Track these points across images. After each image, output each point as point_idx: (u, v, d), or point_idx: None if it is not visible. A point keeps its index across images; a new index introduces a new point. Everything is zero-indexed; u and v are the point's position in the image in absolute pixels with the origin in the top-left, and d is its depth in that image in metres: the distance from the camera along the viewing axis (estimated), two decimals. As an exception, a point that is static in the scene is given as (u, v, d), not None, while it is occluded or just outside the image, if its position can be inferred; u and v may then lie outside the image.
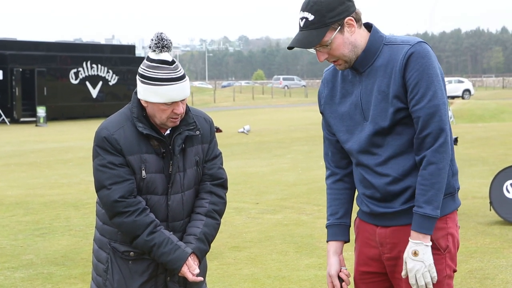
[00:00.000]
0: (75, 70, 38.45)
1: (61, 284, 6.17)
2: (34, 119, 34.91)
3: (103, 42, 58.73)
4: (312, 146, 17.83)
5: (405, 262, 2.72)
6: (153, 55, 3.08)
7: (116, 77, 40.27)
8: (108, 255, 3.22)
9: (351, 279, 2.99)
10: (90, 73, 39.15)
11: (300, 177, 12.54)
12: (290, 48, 2.79)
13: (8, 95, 35.98)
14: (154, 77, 3.05)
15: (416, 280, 2.70)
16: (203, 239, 3.21)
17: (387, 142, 2.77)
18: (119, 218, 3.09)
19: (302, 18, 2.73)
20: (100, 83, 39.64)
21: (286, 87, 78.82)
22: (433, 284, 2.71)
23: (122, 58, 40.97)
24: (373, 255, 2.89)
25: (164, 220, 3.19)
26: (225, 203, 3.33)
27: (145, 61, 3.11)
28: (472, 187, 10.55)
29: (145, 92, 3.08)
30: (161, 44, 3.06)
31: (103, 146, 3.11)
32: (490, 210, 8.22)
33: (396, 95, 2.71)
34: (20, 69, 36.13)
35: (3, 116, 34.92)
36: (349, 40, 2.74)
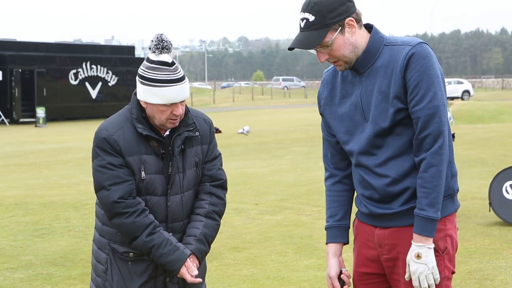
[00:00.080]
0: (74, 70, 38.44)
1: (61, 285, 6.17)
2: (33, 119, 34.90)
3: (102, 42, 58.67)
4: (311, 147, 17.84)
5: (408, 265, 2.72)
6: (153, 56, 3.09)
7: (116, 78, 40.27)
8: (107, 256, 3.22)
9: (350, 280, 2.99)
10: (89, 74, 39.14)
11: (300, 178, 12.54)
12: (290, 49, 2.79)
13: (8, 96, 35.97)
14: (154, 78, 3.05)
15: (420, 283, 2.70)
16: (203, 240, 3.21)
17: (387, 143, 2.77)
18: (118, 219, 3.10)
19: (302, 19, 2.73)
20: (100, 83, 39.63)
21: (285, 88, 78.80)
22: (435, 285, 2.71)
23: (121, 59, 40.96)
24: (371, 256, 2.89)
25: (164, 221, 3.19)
26: (224, 204, 3.34)
27: (145, 62, 3.11)
28: (472, 188, 10.55)
29: (144, 93, 3.09)
30: (161, 45, 3.06)
31: (103, 147, 3.11)
32: (490, 211, 8.22)
33: (396, 96, 2.71)
34: (20, 70, 36.12)
35: (3, 117, 34.92)
36: (350, 40, 2.74)
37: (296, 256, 6.96)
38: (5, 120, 34.85)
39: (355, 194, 2.99)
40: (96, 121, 32.02)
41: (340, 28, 2.71)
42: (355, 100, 2.82)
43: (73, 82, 38.47)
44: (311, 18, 2.70)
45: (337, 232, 2.98)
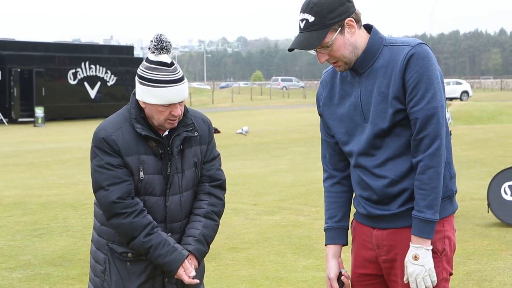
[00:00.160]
0: (73, 70, 38.44)
1: (59, 285, 6.16)
2: (32, 119, 34.90)
3: (101, 42, 58.62)
4: (310, 147, 17.83)
5: (406, 267, 2.72)
6: (152, 57, 3.08)
7: (115, 78, 40.27)
8: (106, 256, 3.22)
9: (349, 281, 2.99)
10: (88, 74, 39.14)
11: (298, 178, 12.54)
12: (290, 50, 2.78)
13: (6, 96, 35.97)
14: (153, 79, 3.05)
15: (417, 284, 2.70)
16: (202, 241, 3.21)
17: (386, 144, 2.77)
18: (117, 219, 3.09)
19: (302, 20, 2.73)
20: (99, 83, 39.63)
21: (284, 88, 78.81)
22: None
23: (120, 58, 40.96)
24: (369, 257, 2.89)
25: (162, 222, 3.19)
26: (223, 204, 3.33)
27: (144, 62, 3.11)
28: (470, 189, 10.56)
29: (143, 93, 3.09)
30: (160, 46, 3.06)
31: (101, 147, 3.10)
32: (488, 212, 8.22)
33: (395, 96, 2.71)
34: (19, 70, 36.12)
35: (1, 117, 34.91)
36: (350, 41, 2.74)
37: (295, 256, 6.96)
38: (4, 120, 34.84)
39: (354, 195, 2.98)
40: (95, 121, 32.01)
41: (340, 28, 2.71)
42: (354, 101, 2.82)
43: (72, 82, 38.47)
44: (311, 18, 2.70)
45: (336, 233, 2.97)
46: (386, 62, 2.75)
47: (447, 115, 24.69)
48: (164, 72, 3.05)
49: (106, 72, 39.92)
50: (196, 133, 3.23)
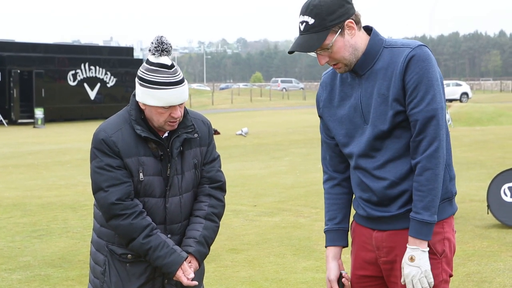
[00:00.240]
0: (73, 71, 38.43)
1: (58, 286, 6.16)
2: (32, 120, 34.89)
3: (101, 44, 58.70)
4: (310, 148, 17.84)
5: (402, 268, 2.73)
6: (152, 58, 3.09)
7: (114, 79, 40.26)
8: (105, 258, 3.22)
9: (349, 283, 2.99)
10: (88, 75, 39.13)
11: (298, 179, 12.54)
12: (290, 52, 2.78)
13: (6, 97, 35.97)
14: (153, 81, 3.05)
15: (413, 286, 2.70)
16: (203, 242, 3.22)
17: (386, 146, 2.77)
18: (116, 220, 3.09)
19: (302, 22, 2.73)
20: (98, 85, 39.62)
21: (284, 90, 78.83)
22: None
23: (120, 60, 40.96)
24: (369, 258, 2.89)
25: (162, 223, 3.19)
26: (224, 206, 3.34)
27: (144, 64, 3.11)
28: (470, 190, 10.56)
29: (143, 95, 3.09)
30: (161, 47, 3.06)
31: (101, 148, 3.10)
32: (488, 213, 8.22)
33: (395, 98, 2.71)
34: (18, 71, 36.11)
35: (1, 118, 34.90)
36: (350, 42, 2.74)
37: (294, 258, 6.96)
38: (4, 121, 34.84)
39: (353, 196, 2.98)
40: (95, 122, 32.02)
41: (340, 30, 2.71)
42: (354, 103, 2.82)
43: (71, 83, 38.46)
44: (311, 21, 2.70)
45: (336, 235, 2.97)
46: (386, 64, 2.75)
47: (447, 116, 24.70)
48: (164, 74, 3.06)
49: (106, 73, 39.91)
50: (196, 135, 3.23)
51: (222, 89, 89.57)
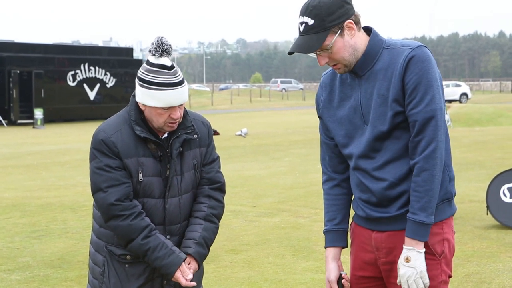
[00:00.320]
0: (72, 72, 38.43)
1: (57, 287, 6.16)
2: (31, 121, 34.88)
3: (101, 44, 58.73)
4: (309, 149, 17.84)
5: (398, 268, 2.73)
6: (152, 59, 3.09)
7: (114, 80, 40.25)
8: (104, 258, 3.21)
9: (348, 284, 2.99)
10: (87, 76, 39.13)
11: (298, 180, 12.54)
12: (290, 53, 2.78)
13: (6, 97, 35.96)
14: (152, 81, 3.05)
15: (408, 286, 2.70)
16: (203, 243, 3.22)
17: (385, 147, 2.77)
18: (115, 221, 3.09)
19: (301, 23, 2.72)
20: (98, 85, 39.61)
21: (283, 90, 78.81)
22: None
23: (119, 60, 40.95)
24: (369, 259, 2.89)
25: (161, 224, 3.19)
26: (223, 207, 3.34)
27: (144, 64, 3.12)
28: (469, 191, 10.56)
29: (143, 96, 3.09)
30: (161, 48, 3.06)
31: (100, 148, 3.10)
32: (487, 214, 8.22)
33: (395, 99, 2.71)
34: (18, 71, 36.10)
35: (0, 118, 34.89)
36: (349, 43, 2.74)
37: (294, 258, 6.96)
38: (3, 122, 34.83)
39: (353, 197, 2.98)
40: (94, 123, 32.02)
41: (340, 31, 2.71)
42: (354, 103, 2.82)
43: (71, 83, 38.45)
44: (310, 21, 2.70)
45: (335, 236, 2.97)
46: (386, 64, 2.75)
47: (446, 117, 24.66)
48: (164, 75, 3.06)
49: (105, 74, 39.90)
50: (195, 136, 3.23)
51: (222, 89, 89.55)
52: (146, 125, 3.15)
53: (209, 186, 3.29)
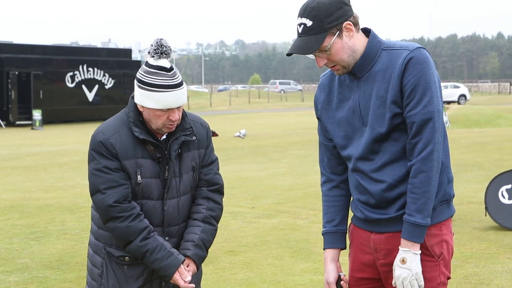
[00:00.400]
0: (71, 73, 38.42)
1: (56, 288, 6.15)
2: (30, 122, 34.87)
3: (99, 45, 58.72)
4: (308, 150, 17.84)
5: (394, 270, 2.73)
6: (151, 61, 3.09)
7: (112, 81, 40.24)
8: (103, 260, 3.21)
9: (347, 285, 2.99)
10: (86, 77, 39.12)
11: (296, 181, 12.53)
12: (289, 54, 2.78)
13: (4, 98, 35.95)
14: (151, 83, 3.05)
15: None
16: (201, 246, 3.22)
17: (384, 148, 2.77)
18: (113, 223, 3.09)
19: (300, 24, 2.72)
20: (96, 86, 39.61)
21: (282, 92, 78.83)
22: None
23: (118, 61, 40.95)
24: (367, 261, 2.89)
25: (160, 225, 3.19)
26: (221, 209, 3.34)
27: (143, 66, 3.12)
28: (468, 192, 10.56)
29: (141, 97, 3.09)
30: (160, 50, 3.06)
31: (99, 150, 3.10)
32: (486, 215, 8.22)
33: (393, 100, 2.71)
34: (16, 72, 36.09)
35: (-1, 119, 34.89)
36: (348, 44, 2.74)
37: (292, 260, 6.96)
38: (1, 123, 34.81)
39: (351, 199, 2.98)
40: (93, 124, 32.00)
41: (338, 32, 2.71)
42: (352, 105, 2.82)
43: (69, 84, 38.45)
44: (309, 23, 2.70)
45: (334, 237, 2.97)
46: (384, 66, 2.75)
47: (445, 118, 24.64)
48: (163, 76, 3.05)
49: (104, 75, 39.90)
50: (194, 137, 3.23)
51: (220, 91, 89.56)
52: (145, 126, 3.15)
53: (208, 188, 3.29)
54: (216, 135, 22.50)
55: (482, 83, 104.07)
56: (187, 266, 3.19)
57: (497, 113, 33.56)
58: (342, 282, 2.94)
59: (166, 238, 3.19)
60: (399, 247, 2.71)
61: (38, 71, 36.80)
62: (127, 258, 3.17)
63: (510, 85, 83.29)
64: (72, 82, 38.54)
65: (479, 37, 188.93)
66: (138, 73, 3.12)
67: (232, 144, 20.38)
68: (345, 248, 3.00)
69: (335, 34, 2.70)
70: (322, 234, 3.00)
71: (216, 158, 3.37)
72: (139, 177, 3.11)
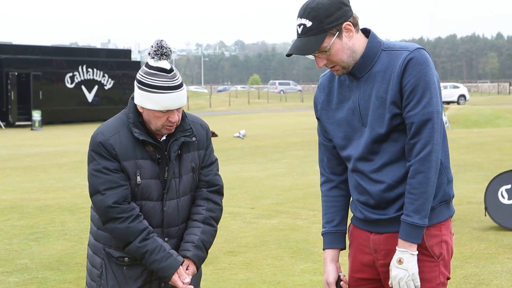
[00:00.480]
0: (70, 74, 38.43)
1: (56, 289, 6.15)
2: (29, 123, 34.88)
3: (99, 46, 58.73)
4: (307, 151, 17.84)
5: (390, 270, 2.73)
6: (152, 62, 3.09)
7: (112, 81, 40.25)
8: (102, 261, 3.21)
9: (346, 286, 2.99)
10: (85, 77, 39.13)
11: (296, 182, 12.53)
12: (288, 55, 2.78)
13: (4, 99, 35.96)
14: (151, 84, 3.05)
15: None
16: (201, 247, 3.22)
17: (383, 149, 2.77)
18: (112, 223, 3.09)
19: (299, 25, 2.72)
20: (96, 87, 39.61)
21: (281, 92, 78.84)
22: None
23: (117, 62, 40.95)
24: (367, 261, 2.89)
25: (159, 226, 3.19)
26: (221, 210, 3.34)
27: (143, 67, 3.11)
28: (467, 192, 10.56)
29: (141, 98, 3.09)
30: (160, 51, 3.06)
31: (98, 151, 3.10)
32: (485, 215, 8.22)
33: (393, 101, 2.71)
34: (16, 73, 36.10)
35: (-1, 120, 34.89)
36: (348, 45, 2.74)
37: (292, 260, 6.96)
38: (1, 123, 34.80)
39: (351, 199, 2.98)
40: (92, 125, 32.00)
41: (338, 32, 2.71)
42: (352, 105, 2.82)
43: (69, 85, 38.46)
44: (308, 23, 2.69)
45: (334, 238, 2.97)
46: (384, 66, 2.75)
47: (444, 118, 24.61)
48: (163, 78, 3.05)
49: (103, 76, 39.90)
50: (194, 138, 3.23)
51: (220, 91, 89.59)
52: (145, 127, 3.15)
53: (208, 189, 3.29)
54: (216, 135, 22.50)
55: (482, 83, 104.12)
56: (187, 267, 3.19)
57: (497, 113, 33.57)
58: (341, 283, 2.94)
59: (166, 239, 3.19)
60: (396, 247, 2.71)
61: (38, 72, 36.81)
62: (126, 259, 3.17)
63: (510, 85, 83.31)
64: (71, 83, 38.55)
65: (479, 37, 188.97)
66: (138, 74, 3.12)
67: (232, 145, 20.38)
68: (344, 249, 3.00)
69: (334, 34, 2.70)
70: (322, 235, 3.00)
71: (216, 159, 3.37)
72: (138, 178, 3.11)
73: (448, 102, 48.86)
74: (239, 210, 9.74)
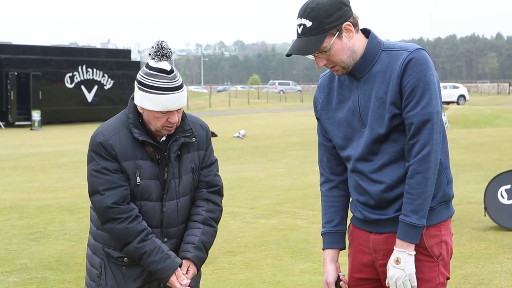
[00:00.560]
0: (70, 74, 38.44)
1: (55, 289, 6.15)
2: (29, 123, 34.89)
3: (98, 46, 58.73)
4: (307, 151, 17.84)
5: (387, 269, 2.73)
6: (152, 63, 3.08)
7: (112, 82, 40.25)
8: (101, 261, 3.21)
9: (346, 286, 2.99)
10: (85, 77, 39.14)
11: (295, 182, 12.53)
12: (288, 55, 2.78)
13: (3, 99, 35.97)
14: (151, 85, 3.05)
15: None
16: (201, 247, 3.21)
17: (383, 149, 2.77)
18: (111, 224, 3.09)
19: (299, 25, 2.72)
20: (96, 87, 39.62)
21: (281, 92, 78.83)
22: None
23: (117, 62, 40.96)
24: (366, 261, 2.89)
25: (159, 227, 3.18)
26: (221, 210, 3.33)
27: (144, 68, 3.11)
28: (467, 192, 10.56)
29: (141, 99, 3.09)
30: (161, 52, 3.06)
31: (98, 151, 3.10)
32: (485, 215, 8.23)
33: (393, 101, 2.71)
34: (15, 73, 36.11)
35: (-2, 120, 34.88)
36: (348, 45, 2.74)
37: (292, 260, 6.96)
38: (1, 123, 34.80)
39: (351, 199, 2.98)
40: (92, 125, 32.00)
41: (338, 33, 2.71)
42: (352, 106, 2.82)
43: (69, 85, 38.46)
44: (308, 23, 2.69)
45: (334, 238, 2.97)
46: (384, 67, 2.75)
47: (444, 119, 24.62)
48: (163, 79, 3.05)
49: (103, 76, 39.91)
50: (194, 139, 3.22)
51: (220, 91, 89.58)
52: (144, 128, 3.15)
53: (207, 189, 3.29)
54: (216, 135, 22.50)
55: (481, 83, 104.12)
56: (188, 268, 3.19)
57: (496, 114, 33.58)
58: (341, 283, 2.94)
59: (165, 239, 3.19)
60: (394, 247, 2.72)
61: (37, 72, 36.82)
62: (125, 259, 3.17)
63: (509, 85, 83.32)
64: (71, 83, 38.55)
65: (478, 38, 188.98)
66: (138, 74, 3.12)
67: (232, 145, 20.38)
68: (344, 249, 3.00)
69: (334, 35, 2.70)
70: (322, 235, 3.00)
71: (216, 160, 3.36)
72: (138, 178, 3.11)
73: (448, 102, 48.87)
74: (239, 210, 9.74)
